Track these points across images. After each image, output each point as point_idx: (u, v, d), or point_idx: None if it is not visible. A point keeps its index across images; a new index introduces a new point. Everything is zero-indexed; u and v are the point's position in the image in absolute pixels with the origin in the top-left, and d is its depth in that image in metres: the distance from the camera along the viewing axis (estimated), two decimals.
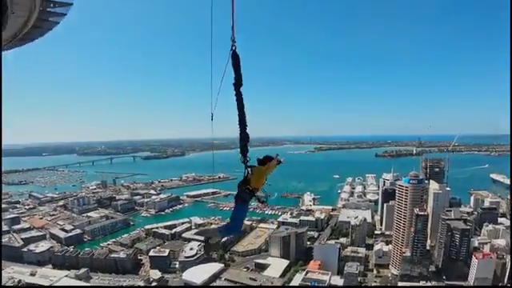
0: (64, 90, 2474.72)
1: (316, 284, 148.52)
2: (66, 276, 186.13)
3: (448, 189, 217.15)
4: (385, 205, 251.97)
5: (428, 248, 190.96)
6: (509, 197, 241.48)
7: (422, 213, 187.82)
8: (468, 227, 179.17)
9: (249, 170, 12.12)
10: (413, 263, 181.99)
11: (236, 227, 12.69)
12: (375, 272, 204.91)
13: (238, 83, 11.01)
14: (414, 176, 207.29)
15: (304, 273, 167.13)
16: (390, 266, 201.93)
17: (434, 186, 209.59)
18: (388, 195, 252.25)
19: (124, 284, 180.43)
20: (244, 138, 11.63)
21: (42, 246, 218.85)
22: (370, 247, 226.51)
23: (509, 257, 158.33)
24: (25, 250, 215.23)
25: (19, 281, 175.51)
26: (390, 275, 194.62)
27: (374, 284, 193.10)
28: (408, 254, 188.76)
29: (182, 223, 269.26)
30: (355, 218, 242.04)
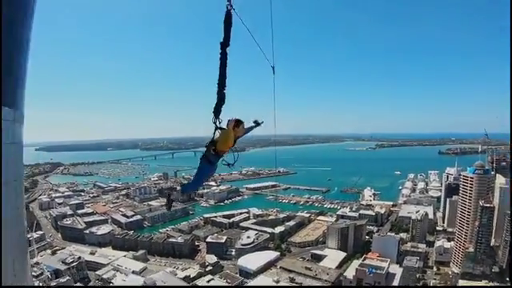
0: (128, 89, 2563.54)
1: (373, 270, 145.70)
2: (125, 256, 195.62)
3: None
4: (448, 200, 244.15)
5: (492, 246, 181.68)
6: None
7: (488, 205, 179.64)
8: None
9: (219, 131, 11.68)
10: (476, 261, 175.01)
11: (195, 185, 12.94)
12: (435, 269, 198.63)
13: (225, 43, 10.71)
14: (479, 166, 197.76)
15: (361, 259, 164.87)
16: (451, 264, 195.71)
17: (500, 180, 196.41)
18: (451, 190, 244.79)
19: (180, 267, 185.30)
20: (220, 98, 11.07)
21: (104, 229, 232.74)
22: (430, 244, 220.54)
23: None
24: (87, 231, 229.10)
25: (79, 257, 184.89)
26: (450, 273, 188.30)
27: (433, 281, 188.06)
28: (471, 249, 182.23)
29: (241, 213, 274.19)
30: (416, 212, 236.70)
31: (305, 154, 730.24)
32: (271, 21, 13.73)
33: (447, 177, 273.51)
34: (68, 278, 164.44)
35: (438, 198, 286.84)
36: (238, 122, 11.58)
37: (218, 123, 11.34)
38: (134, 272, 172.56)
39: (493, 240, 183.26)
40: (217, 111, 11.22)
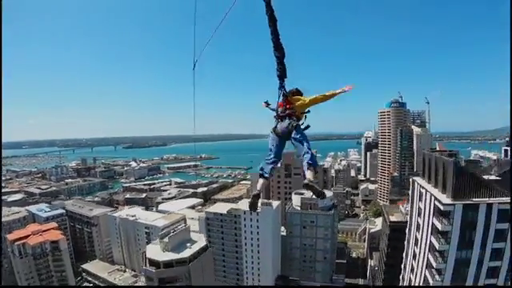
0: (46, 88, 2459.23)
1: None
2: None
3: (430, 133, 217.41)
4: (368, 153, 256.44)
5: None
6: None
7: (406, 128, 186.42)
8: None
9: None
10: (401, 185, 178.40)
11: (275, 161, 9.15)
12: (362, 207, 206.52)
13: None
14: (395, 101, 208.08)
15: None
16: (378, 200, 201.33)
17: (415, 129, 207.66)
18: (370, 147, 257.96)
19: None
20: (280, 52, 8.49)
21: (15, 197, 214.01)
22: (355, 195, 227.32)
23: None
24: None
25: None
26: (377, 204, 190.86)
27: (362, 214, 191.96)
28: (396, 174, 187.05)
29: (162, 182, 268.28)
30: (339, 164, 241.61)
31: (226, 146, 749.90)
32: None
33: (366, 139, 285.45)
34: None
35: (359, 168, 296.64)
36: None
37: (284, 89, 9.14)
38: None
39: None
40: (281, 72, 8.77)
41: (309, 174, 8.19)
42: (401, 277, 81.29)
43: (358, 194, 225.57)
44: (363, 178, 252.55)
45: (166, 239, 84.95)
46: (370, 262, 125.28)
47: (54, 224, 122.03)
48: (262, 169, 8.82)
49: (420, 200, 69.36)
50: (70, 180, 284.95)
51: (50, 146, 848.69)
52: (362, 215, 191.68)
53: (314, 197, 74.84)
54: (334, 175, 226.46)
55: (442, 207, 57.26)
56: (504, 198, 54.12)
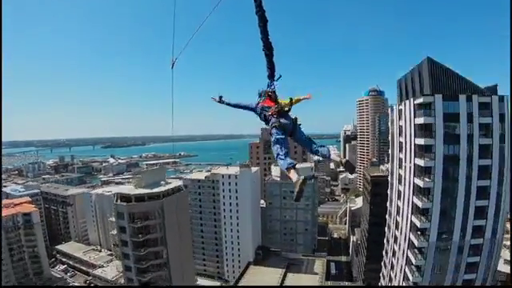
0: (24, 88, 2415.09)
1: None
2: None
3: None
4: (347, 145, 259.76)
5: None
6: None
7: (384, 114, 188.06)
8: None
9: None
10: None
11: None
12: (342, 195, 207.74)
13: None
14: (372, 89, 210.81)
15: None
16: (358, 188, 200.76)
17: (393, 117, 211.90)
18: (349, 139, 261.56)
19: None
20: (269, 51, 8.57)
21: None
22: (335, 186, 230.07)
23: None
24: None
25: None
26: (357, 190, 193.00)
27: (342, 199, 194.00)
28: (375, 159, 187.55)
29: None
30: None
31: (205, 146, 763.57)
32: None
33: (345, 132, 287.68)
34: None
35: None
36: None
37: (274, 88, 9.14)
38: None
39: None
40: (272, 70, 8.89)
41: (338, 156, 9.65)
42: (387, 215, 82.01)
43: (337, 185, 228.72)
44: (342, 169, 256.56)
45: (139, 175, 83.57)
46: (352, 238, 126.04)
47: (27, 198, 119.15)
48: (288, 163, 8.08)
49: (400, 118, 69.77)
50: (47, 176, 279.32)
51: (26, 146, 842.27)
52: (342, 200, 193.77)
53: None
54: (313, 167, 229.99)
55: (421, 99, 57.89)
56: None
